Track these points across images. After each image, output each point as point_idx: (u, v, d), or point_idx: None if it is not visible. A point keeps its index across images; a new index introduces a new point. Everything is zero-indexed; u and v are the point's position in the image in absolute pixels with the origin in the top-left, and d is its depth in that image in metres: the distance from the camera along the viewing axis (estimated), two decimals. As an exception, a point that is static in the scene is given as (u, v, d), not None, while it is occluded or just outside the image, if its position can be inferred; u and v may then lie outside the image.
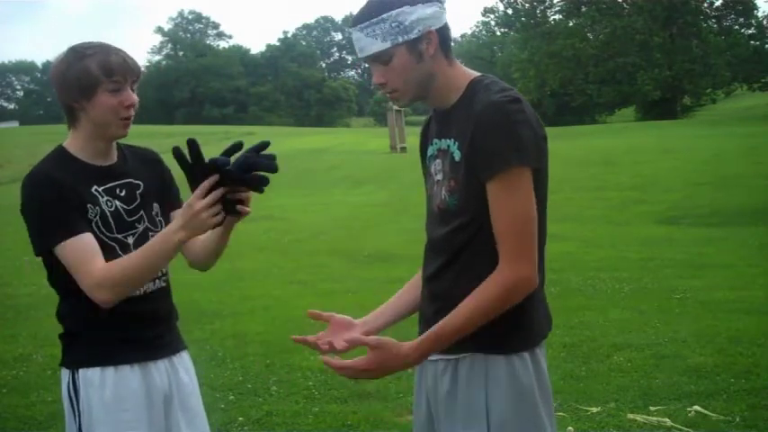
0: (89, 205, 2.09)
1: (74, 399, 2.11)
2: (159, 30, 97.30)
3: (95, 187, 2.12)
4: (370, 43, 1.87)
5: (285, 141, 33.29)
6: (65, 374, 2.15)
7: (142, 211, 2.18)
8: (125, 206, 2.15)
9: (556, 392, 4.44)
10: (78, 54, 2.07)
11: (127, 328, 2.13)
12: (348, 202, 15.95)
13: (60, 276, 2.11)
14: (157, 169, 2.28)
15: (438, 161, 1.96)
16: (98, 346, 2.12)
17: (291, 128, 58.98)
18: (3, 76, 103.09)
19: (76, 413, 2.11)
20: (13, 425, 4.44)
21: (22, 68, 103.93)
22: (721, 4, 49.28)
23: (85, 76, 2.04)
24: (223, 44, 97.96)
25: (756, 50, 47.42)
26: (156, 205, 2.22)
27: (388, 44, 1.86)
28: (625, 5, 49.48)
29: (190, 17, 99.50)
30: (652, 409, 4.26)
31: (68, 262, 2.03)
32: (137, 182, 2.19)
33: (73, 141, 2.15)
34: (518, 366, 1.87)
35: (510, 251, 1.81)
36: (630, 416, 4.18)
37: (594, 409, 4.29)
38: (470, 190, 1.85)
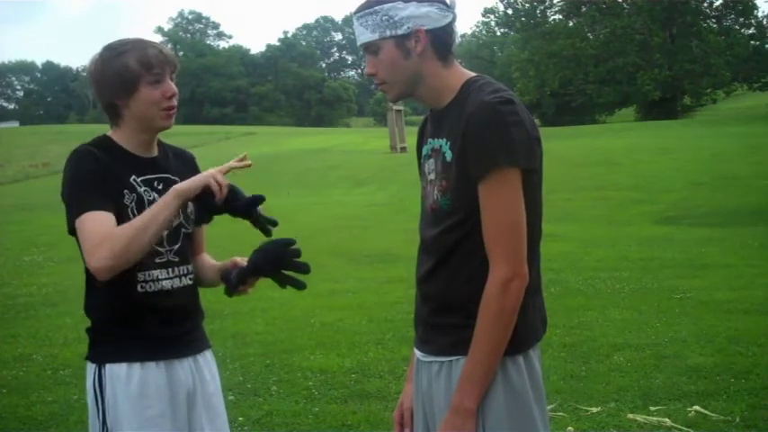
0: (126, 191, 2.11)
1: (98, 393, 2.11)
2: (159, 30, 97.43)
3: (134, 177, 2.14)
4: (362, 33, 1.93)
5: (285, 141, 33.33)
6: (90, 369, 2.15)
7: None
8: None
9: (556, 392, 4.46)
10: (114, 51, 2.10)
11: (153, 325, 2.15)
12: (348, 202, 15.95)
13: (92, 291, 2.15)
14: (193, 170, 2.30)
15: (431, 161, 1.97)
16: (125, 342, 2.13)
17: (291, 128, 59.00)
18: (3, 76, 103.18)
19: (100, 408, 2.11)
20: (13, 425, 4.43)
21: (22, 68, 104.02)
22: (721, 4, 49.21)
23: (125, 71, 2.07)
24: (223, 44, 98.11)
25: (756, 50, 47.36)
26: (190, 204, 2.23)
27: (376, 36, 1.90)
28: (625, 5, 49.42)
29: (190, 17, 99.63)
30: (652, 409, 4.26)
31: (82, 234, 2.01)
32: (174, 178, 2.21)
33: (116, 133, 2.17)
34: (512, 369, 1.87)
35: (500, 251, 1.83)
36: (630, 416, 4.18)
37: (594, 409, 4.29)
38: (462, 190, 1.86)
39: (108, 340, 2.15)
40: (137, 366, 2.11)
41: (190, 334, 2.25)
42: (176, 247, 2.19)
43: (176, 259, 2.18)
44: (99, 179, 2.05)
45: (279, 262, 2.17)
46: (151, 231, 2.01)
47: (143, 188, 2.14)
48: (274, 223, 2.21)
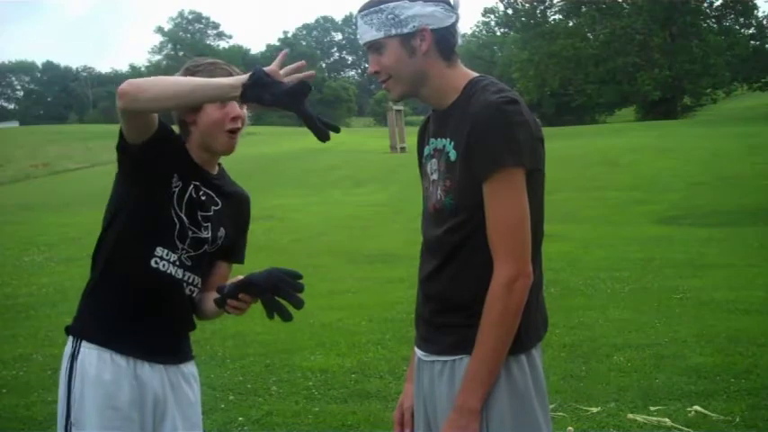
0: (176, 175, 2.16)
1: (67, 383, 2.14)
2: (159, 30, 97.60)
3: (190, 178, 2.19)
4: (366, 31, 1.93)
5: (285, 141, 33.31)
6: (68, 348, 2.18)
7: (209, 224, 2.23)
8: (199, 209, 2.22)
9: (556, 392, 4.46)
10: (189, 72, 2.20)
11: (136, 317, 2.16)
12: (348, 202, 15.94)
13: (103, 248, 2.19)
14: (241, 206, 2.35)
15: (434, 161, 1.97)
16: (104, 326, 2.15)
17: (291, 128, 58.99)
18: (3, 76, 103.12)
19: (65, 399, 2.14)
20: (13, 425, 4.43)
21: (22, 68, 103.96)
22: (721, 4, 49.19)
23: None
24: (223, 44, 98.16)
25: (756, 50, 47.34)
26: (223, 230, 2.27)
27: (381, 34, 1.90)
28: (625, 5, 49.41)
29: (190, 17, 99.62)
30: (652, 409, 4.26)
31: None
32: (217, 199, 2.26)
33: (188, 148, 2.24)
34: (514, 368, 1.88)
35: (505, 250, 1.83)
36: (630, 416, 4.18)
37: (594, 409, 4.29)
38: (466, 190, 1.86)
39: (92, 319, 2.18)
40: (107, 358, 2.12)
41: (174, 344, 2.27)
42: (193, 253, 2.21)
43: (189, 263, 2.21)
44: (167, 138, 2.11)
45: (276, 286, 2.09)
46: (182, 84, 1.99)
47: (191, 188, 2.19)
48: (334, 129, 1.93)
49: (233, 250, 2.35)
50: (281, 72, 1.93)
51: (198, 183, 2.21)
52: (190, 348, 2.34)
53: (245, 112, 2.20)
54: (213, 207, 2.24)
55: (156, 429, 2.19)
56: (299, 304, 2.09)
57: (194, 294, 2.26)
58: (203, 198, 2.22)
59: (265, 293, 2.10)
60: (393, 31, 1.89)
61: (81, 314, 2.22)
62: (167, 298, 2.19)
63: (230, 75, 2.17)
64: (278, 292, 2.09)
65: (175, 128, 2.23)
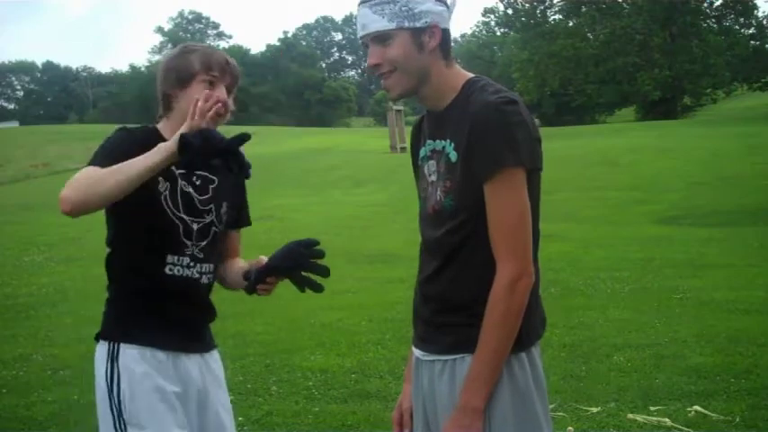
0: (160, 178, 2.13)
1: (110, 385, 2.12)
2: (159, 30, 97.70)
3: (173, 168, 2.13)
4: (374, 20, 1.87)
5: (285, 141, 33.29)
6: (102, 353, 2.16)
7: (212, 205, 2.23)
8: (198, 195, 2.20)
9: (556, 392, 4.46)
10: (186, 49, 2.21)
11: (172, 309, 2.19)
12: (348, 202, 15.94)
13: (114, 264, 2.21)
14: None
15: (432, 162, 1.96)
16: (139, 326, 2.16)
17: (291, 128, 59.00)
18: (3, 76, 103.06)
19: (115, 401, 2.11)
20: (13, 425, 4.44)
21: (22, 68, 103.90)
22: (721, 4, 49.15)
23: (185, 67, 2.16)
24: (223, 44, 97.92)
25: (756, 50, 47.29)
26: (225, 204, 2.27)
27: (393, 25, 1.87)
28: (625, 5, 49.37)
29: (190, 17, 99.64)
30: (652, 409, 4.26)
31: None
32: (212, 177, 2.24)
33: (164, 126, 2.21)
34: (515, 367, 1.88)
35: (507, 250, 1.83)
36: (630, 416, 4.18)
37: (594, 409, 4.29)
38: (466, 191, 1.86)
39: (122, 322, 2.17)
40: (149, 356, 2.13)
41: (201, 331, 2.30)
42: (203, 243, 2.22)
43: (201, 255, 2.22)
44: (125, 156, 2.03)
45: (298, 262, 2.16)
46: (117, 178, 1.92)
47: (181, 181, 2.16)
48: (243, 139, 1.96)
49: (239, 217, 2.36)
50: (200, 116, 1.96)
51: (183, 170, 2.17)
52: (212, 337, 2.36)
53: (230, 102, 2.18)
54: (211, 186, 2.23)
55: (199, 417, 2.21)
56: (324, 273, 2.18)
57: (210, 280, 2.28)
58: (198, 182, 2.20)
59: (291, 271, 2.17)
60: (406, 24, 1.87)
61: (109, 319, 2.22)
62: (187, 296, 2.21)
63: (227, 61, 2.17)
64: (301, 267, 2.16)
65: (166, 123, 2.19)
